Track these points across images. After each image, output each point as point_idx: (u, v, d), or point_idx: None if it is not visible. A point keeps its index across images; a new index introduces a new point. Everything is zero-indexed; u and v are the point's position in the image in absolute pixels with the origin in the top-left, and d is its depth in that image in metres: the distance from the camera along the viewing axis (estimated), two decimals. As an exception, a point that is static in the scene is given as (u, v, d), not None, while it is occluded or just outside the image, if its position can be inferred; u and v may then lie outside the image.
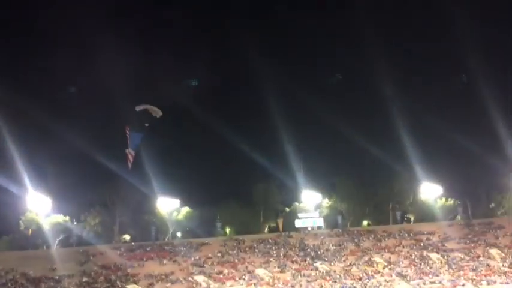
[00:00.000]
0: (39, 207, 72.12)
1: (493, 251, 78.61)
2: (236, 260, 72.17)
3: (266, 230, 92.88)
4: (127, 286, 62.09)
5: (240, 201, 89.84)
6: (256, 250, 76.46)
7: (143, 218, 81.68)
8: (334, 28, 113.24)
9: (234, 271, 68.82)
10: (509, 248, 79.44)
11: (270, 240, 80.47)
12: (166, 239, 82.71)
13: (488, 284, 67.79)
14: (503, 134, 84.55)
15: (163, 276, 65.66)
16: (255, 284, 61.71)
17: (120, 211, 79.41)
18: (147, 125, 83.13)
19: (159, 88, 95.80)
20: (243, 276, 67.36)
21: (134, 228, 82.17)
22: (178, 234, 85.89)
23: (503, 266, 73.72)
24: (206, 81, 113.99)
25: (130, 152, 53.33)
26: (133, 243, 76.21)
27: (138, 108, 65.43)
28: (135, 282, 63.35)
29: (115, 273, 65.35)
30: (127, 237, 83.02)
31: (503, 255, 77.20)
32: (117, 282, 62.62)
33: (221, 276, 67.27)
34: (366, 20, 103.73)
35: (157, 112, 66.17)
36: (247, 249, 76.31)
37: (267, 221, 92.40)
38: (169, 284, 63.61)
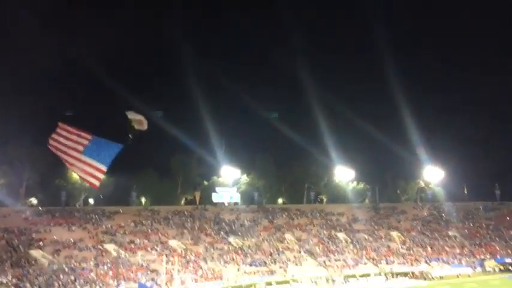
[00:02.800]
0: None
1: (394, 234, 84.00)
2: (149, 231, 70.98)
3: (183, 202, 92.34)
4: (30, 251, 58.74)
5: (159, 172, 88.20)
6: (171, 222, 75.70)
7: (53, 182, 77.48)
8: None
9: (146, 241, 67.61)
10: (408, 232, 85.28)
11: (186, 213, 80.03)
12: (77, 205, 79.33)
13: (387, 263, 72.27)
14: (412, 127, 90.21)
15: (71, 243, 62.96)
16: (166, 254, 60.96)
17: (28, 173, 74.65)
18: (130, 136, 77.76)
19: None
20: (155, 247, 66.43)
21: (43, 192, 77.84)
22: (91, 201, 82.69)
23: (401, 248, 78.99)
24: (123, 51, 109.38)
25: (98, 168, 30.79)
26: (40, 208, 72.13)
27: (129, 115, 59.57)
28: (40, 248, 60.11)
29: (18, 237, 61.55)
30: (34, 200, 78.39)
31: (402, 238, 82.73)
32: (20, 247, 59.06)
33: (132, 245, 65.82)
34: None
35: (143, 124, 60.91)
36: (161, 220, 75.32)
37: (185, 193, 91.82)
38: (76, 251, 61.11)
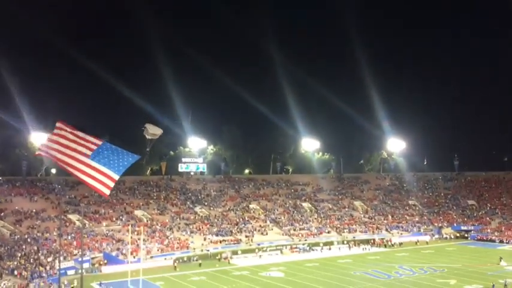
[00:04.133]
0: None
1: (357, 203, 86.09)
2: (114, 201, 70.13)
3: (148, 172, 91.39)
4: (-9, 222, 57.18)
5: (124, 140, 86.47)
6: (137, 192, 74.97)
7: (13, 152, 74.98)
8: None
9: (111, 211, 66.86)
10: (371, 201, 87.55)
11: (152, 183, 79.38)
12: (38, 175, 77.32)
13: (350, 232, 74.23)
14: (376, 99, 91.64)
15: (33, 213, 61.59)
16: (132, 224, 60.56)
17: (-13, 143, 71.89)
18: (148, 149, 76.15)
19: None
20: (120, 217, 65.85)
21: (3, 162, 75.33)
22: (53, 171, 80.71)
23: (364, 216, 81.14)
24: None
25: (109, 175, 28.03)
26: (0, 178, 69.94)
27: (150, 129, 58.01)
28: (1, 218, 58.56)
29: (-23, 208, 59.75)
30: (-6, 171, 75.81)
31: (365, 207, 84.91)
32: (-21, 217, 57.38)
33: (97, 215, 65.00)
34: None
35: (157, 134, 59.35)
36: (127, 190, 74.49)
37: (151, 163, 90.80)
38: (39, 222, 59.87)
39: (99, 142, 30.88)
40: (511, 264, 52.88)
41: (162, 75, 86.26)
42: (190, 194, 78.38)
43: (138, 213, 68.61)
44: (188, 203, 75.43)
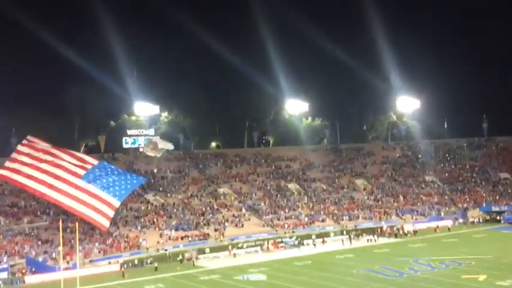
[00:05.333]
0: None
1: (359, 182, 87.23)
2: (38, 189, 69.34)
3: (82, 149, 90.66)
4: None
5: (47, 109, 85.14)
6: (68, 176, 74.16)
7: None
8: None
9: (34, 203, 66.25)
10: (377, 179, 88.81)
11: (88, 164, 78.58)
12: None
13: (350, 219, 75.32)
14: (382, 48, 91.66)
15: None
16: (63, 220, 60.01)
17: None
18: (155, 170, 79.86)
19: None
20: (47, 210, 65.34)
21: None
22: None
23: (368, 199, 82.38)
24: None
25: (109, 203, 29.74)
26: None
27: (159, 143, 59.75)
28: None
29: None
30: None
31: (369, 187, 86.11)
32: None
33: (15, 209, 64.58)
34: None
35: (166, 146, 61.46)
36: (54, 174, 73.64)
37: (84, 137, 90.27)
38: None
39: (95, 162, 29.15)
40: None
41: (96, 18, 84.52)
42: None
43: (70, 204, 68.04)
44: (137, 188, 75.22)
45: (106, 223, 28.60)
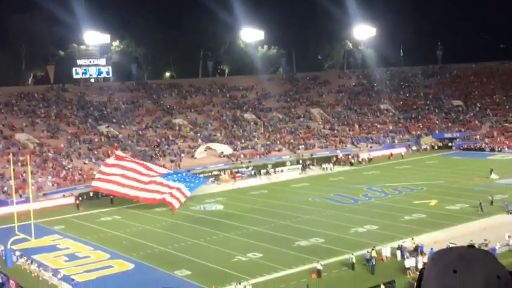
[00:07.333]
0: None
1: (315, 111, 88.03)
2: (-15, 122, 68.00)
3: (30, 80, 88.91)
4: None
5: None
6: (16, 108, 72.88)
7: None
8: None
9: (-18, 137, 64.96)
10: (332, 107, 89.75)
11: (36, 95, 77.28)
12: None
13: (306, 148, 76.40)
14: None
15: None
16: (14, 153, 59.18)
17: None
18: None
19: None
20: (-3, 144, 64.30)
21: None
22: None
23: (324, 128, 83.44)
24: None
25: (183, 192, 50.14)
26: None
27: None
28: None
29: None
30: None
31: (325, 115, 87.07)
32: None
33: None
34: None
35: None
36: (1, 106, 72.19)
37: (32, 68, 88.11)
38: None
39: (170, 170, 50.30)
40: (503, 177, 56.87)
41: None
42: (92, 109, 77.14)
43: (20, 137, 67.14)
44: (90, 120, 74.32)
45: (177, 205, 44.35)
